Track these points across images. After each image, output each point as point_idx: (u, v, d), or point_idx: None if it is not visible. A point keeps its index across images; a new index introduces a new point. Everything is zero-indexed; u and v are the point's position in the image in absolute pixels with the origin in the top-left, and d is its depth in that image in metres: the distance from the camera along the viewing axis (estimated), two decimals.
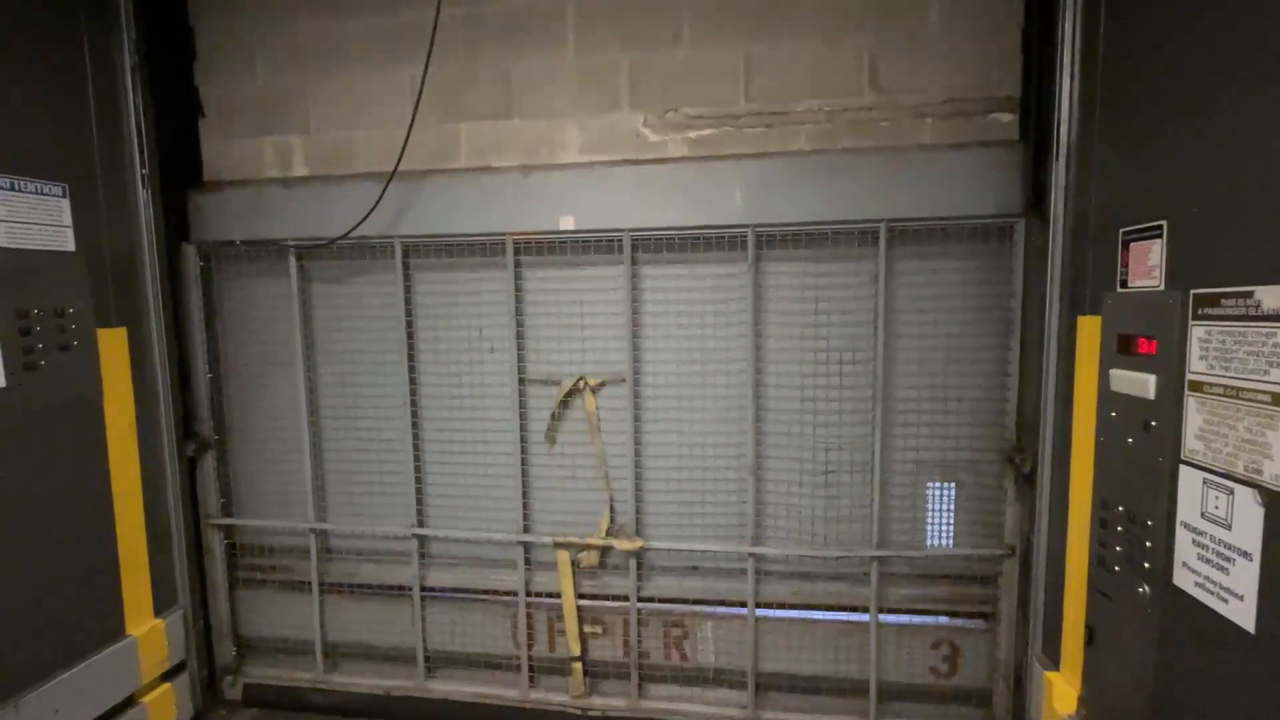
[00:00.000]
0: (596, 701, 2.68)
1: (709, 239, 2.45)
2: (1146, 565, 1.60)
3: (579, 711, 2.67)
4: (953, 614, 2.47)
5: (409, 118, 2.40)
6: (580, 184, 2.51)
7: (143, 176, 2.53)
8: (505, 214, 2.55)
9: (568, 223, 2.50)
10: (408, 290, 2.66)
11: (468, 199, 2.57)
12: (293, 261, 2.68)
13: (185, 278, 2.74)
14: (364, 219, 2.51)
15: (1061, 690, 1.96)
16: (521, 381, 2.62)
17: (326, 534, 2.86)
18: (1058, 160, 2.03)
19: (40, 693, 2.13)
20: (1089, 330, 1.86)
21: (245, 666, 2.96)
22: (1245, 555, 1.32)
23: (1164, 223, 1.56)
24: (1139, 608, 1.63)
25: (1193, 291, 1.47)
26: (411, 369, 2.68)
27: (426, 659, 2.79)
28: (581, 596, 2.66)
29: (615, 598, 2.64)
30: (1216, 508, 1.40)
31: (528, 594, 2.70)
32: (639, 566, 2.61)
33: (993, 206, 2.29)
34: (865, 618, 2.47)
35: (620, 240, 2.47)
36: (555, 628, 2.70)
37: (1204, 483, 1.44)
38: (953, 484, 2.44)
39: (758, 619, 2.54)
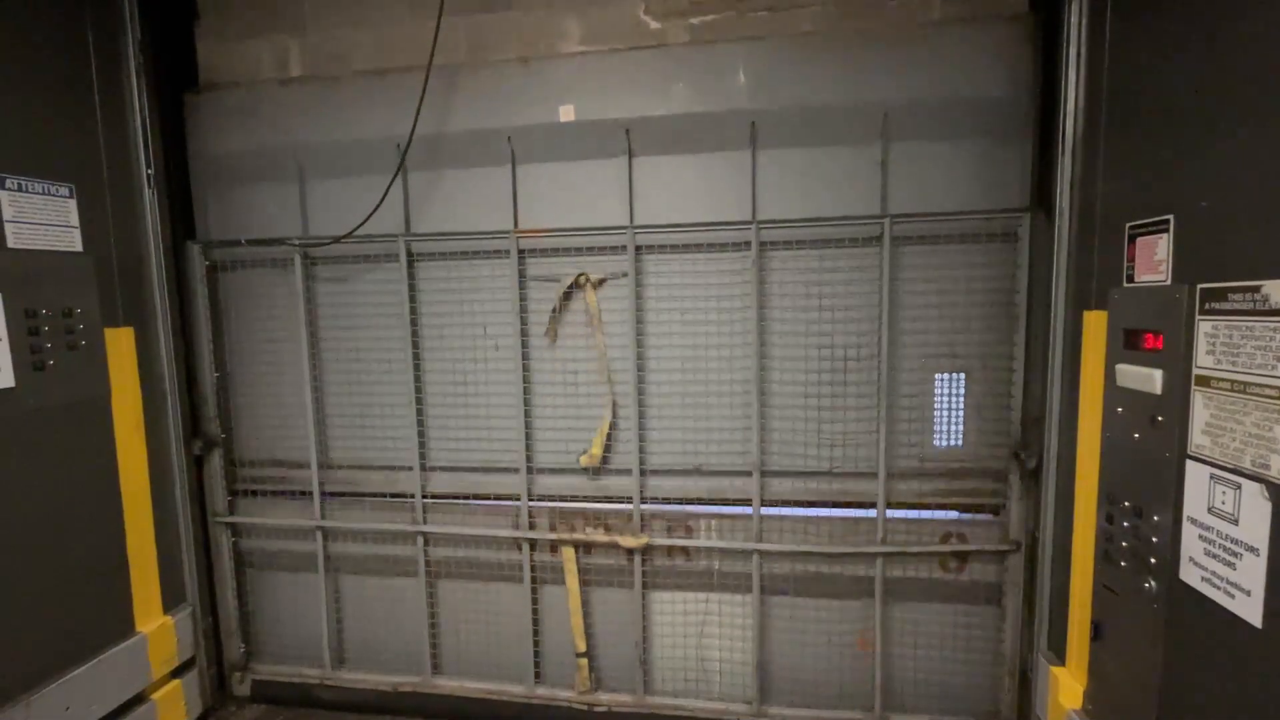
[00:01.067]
0: (603, 697, 2.69)
1: (708, 127, 2.42)
2: (1153, 560, 1.60)
3: (585, 707, 2.69)
4: (961, 508, 2.44)
5: (404, 14, 2.36)
6: (580, 73, 2.49)
7: (149, 176, 2.54)
8: (504, 107, 2.53)
9: (568, 113, 2.48)
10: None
11: (466, 93, 2.55)
12: (298, 261, 2.69)
13: (191, 276, 2.76)
14: (370, 215, 2.52)
15: (1067, 685, 1.96)
16: (522, 282, 2.59)
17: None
18: (1063, 154, 2.02)
19: (51, 689, 2.15)
20: (1095, 325, 1.86)
21: (253, 663, 2.98)
22: (1252, 550, 1.32)
23: (1171, 217, 1.56)
24: (1145, 603, 1.62)
25: (1200, 286, 1.46)
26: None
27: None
28: (583, 499, 2.65)
29: (618, 499, 2.63)
30: (1223, 503, 1.40)
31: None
32: (642, 471, 2.58)
33: (1004, 84, 2.26)
34: (872, 513, 2.44)
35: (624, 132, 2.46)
36: (558, 529, 2.67)
37: (1211, 478, 1.43)
38: (962, 374, 2.40)
39: (762, 517, 2.52)
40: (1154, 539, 1.60)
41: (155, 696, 2.52)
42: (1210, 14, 1.47)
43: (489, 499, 2.74)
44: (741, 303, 2.48)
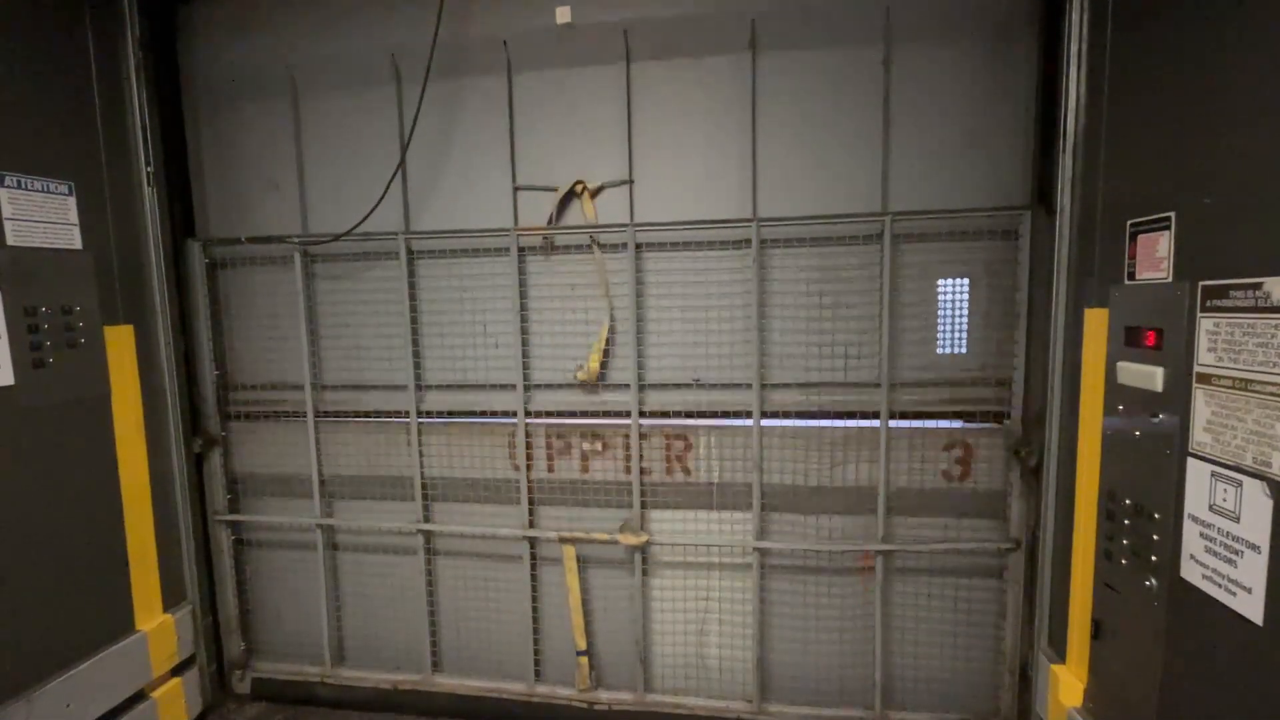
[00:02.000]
0: (603, 695, 2.69)
1: (707, 28, 2.38)
2: (1154, 558, 1.60)
3: (585, 705, 2.69)
4: (966, 416, 2.40)
5: None
6: None
7: (148, 174, 2.54)
8: (499, 9, 2.48)
9: (564, 14, 2.44)
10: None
11: None
12: (298, 260, 2.69)
13: (191, 274, 2.75)
14: (368, 215, 2.52)
15: (1068, 683, 1.96)
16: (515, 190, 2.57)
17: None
18: (1065, 151, 2.01)
19: (52, 687, 2.15)
20: (1096, 323, 1.86)
21: (254, 661, 2.98)
22: (1254, 548, 1.32)
23: (1172, 214, 1.55)
24: (1146, 601, 1.62)
25: (1201, 283, 1.46)
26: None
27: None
28: (580, 415, 2.63)
29: (615, 414, 2.60)
30: (1224, 500, 1.40)
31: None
32: (640, 384, 2.54)
33: None
34: (875, 424, 2.41)
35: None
36: (554, 446, 2.67)
37: (1212, 475, 1.43)
38: (965, 280, 2.36)
39: (762, 430, 2.48)
40: (1155, 536, 1.60)
41: (156, 694, 2.53)
42: (1212, 9, 1.46)
43: (484, 416, 2.70)
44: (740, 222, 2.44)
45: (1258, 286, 1.31)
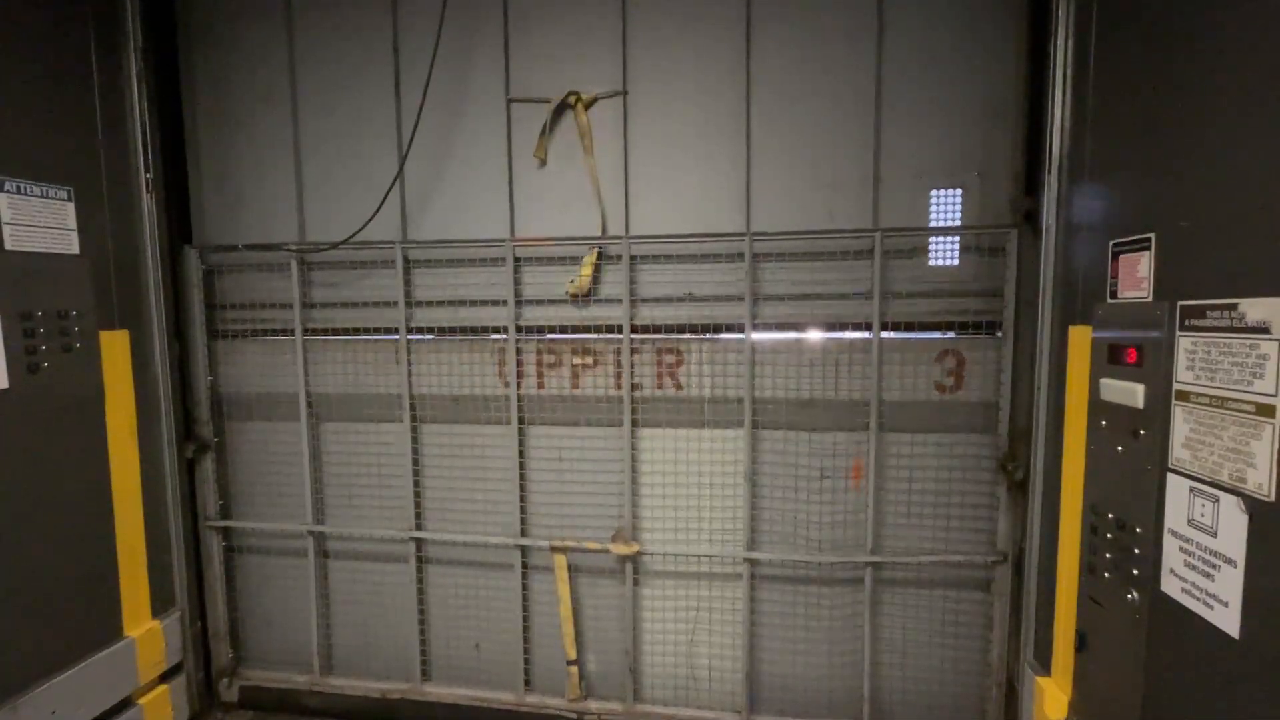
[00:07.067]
0: (593, 705, 2.69)
1: None
2: (1135, 572, 1.63)
3: (575, 715, 2.69)
4: (960, 327, 2.40)
5: None
6: None
7: (147, 180, 2.55)
8: None
9: None
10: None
11: None
12: (294, 267, 2.71)
13: (187, 280, 2.77)
14: (365, 224, 2.54)
15: (1053, 695, 1.98)
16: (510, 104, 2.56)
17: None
18: (1050, 172, 2.06)
19: (38, 693, 2.14)
20: (1080, 340, 1.89)
21: (242, 669, 2.97)
22: (1230, 562, 1.35)
23: (1152, 235, 1.59)
24: (1128, 614, 1.65)
25: (1180, 303, 1.50)
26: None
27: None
28: (571, 330, 2.62)
29: (607, 329, 2.59)
30: (1203, 515, 1.43)
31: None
32: (632, 299, 2.54)
33: None
34: (868, 335, 2.39)
35: None
36: (545, 361, 2.65)
37: (1190, 491, 1.46)
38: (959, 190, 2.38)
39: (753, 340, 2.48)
40: (1136, 550, 1.63)
41: (142, 701, 2.51)
42: (1190, 41, 1.51)
43: (475, 333, 2.69)
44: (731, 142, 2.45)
45: (1233, 307, 1.35)
